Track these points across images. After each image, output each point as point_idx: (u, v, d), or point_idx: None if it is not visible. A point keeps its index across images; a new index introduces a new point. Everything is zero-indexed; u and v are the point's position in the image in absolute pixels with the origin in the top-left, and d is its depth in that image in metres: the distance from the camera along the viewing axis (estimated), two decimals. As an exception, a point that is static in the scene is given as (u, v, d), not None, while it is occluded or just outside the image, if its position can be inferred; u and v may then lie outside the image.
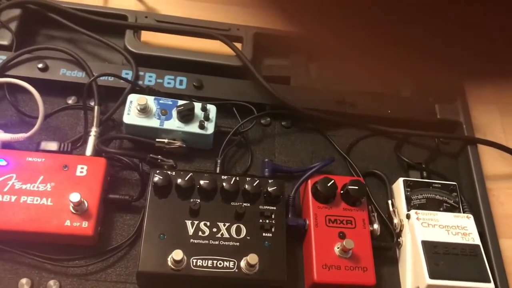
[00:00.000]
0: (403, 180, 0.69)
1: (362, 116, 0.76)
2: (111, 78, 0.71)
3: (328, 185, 0.63)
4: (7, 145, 0.64)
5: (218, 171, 0.67)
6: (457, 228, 0.64)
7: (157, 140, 0.67)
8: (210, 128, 0.67)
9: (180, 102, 0.68)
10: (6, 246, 0.57)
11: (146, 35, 0.80)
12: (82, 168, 0.61)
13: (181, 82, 0.73)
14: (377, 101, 0.78)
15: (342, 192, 0.64)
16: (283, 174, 0.69)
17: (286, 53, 0.83)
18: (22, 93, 0.69)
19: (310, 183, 0.65)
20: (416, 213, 0.65)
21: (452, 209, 0.67)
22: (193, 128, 0.67)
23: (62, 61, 0.71)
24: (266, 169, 0.67)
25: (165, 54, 0.76)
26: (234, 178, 0.62)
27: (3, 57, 0.69)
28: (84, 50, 0.78)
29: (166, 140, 0.67)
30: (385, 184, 0.71)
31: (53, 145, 0.63)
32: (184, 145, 0.67)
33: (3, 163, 0.60)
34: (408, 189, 0.68)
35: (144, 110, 0.66)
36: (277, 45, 0.79)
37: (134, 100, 0.67)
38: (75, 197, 0.56)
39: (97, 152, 0.64)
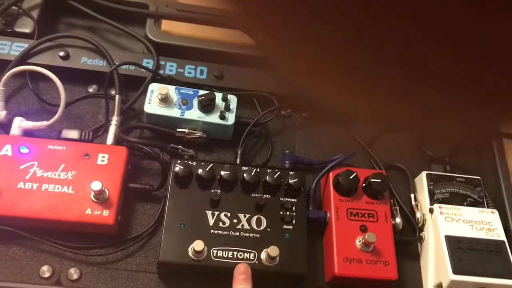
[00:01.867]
0: (426, 174, 0.67)
1: (385, 108, 0.75)
2: (132, 67, 0.70)
3: (351, 177, 0.62)
4: (28, 133, 0.64)
5: (238, 162, 0.66)
6: (482, 223, 0.63)
7: (177, 130, 0.66)
8: (230, 118, 0.67)
9: (201, 92, 0.67)
10: (27, 233, 0.57)
11: (166, 24, 0.80)
12: (103, 156, 0.61)
13: (201, 72, 0.72)
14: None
15: (364, 185, 0.63)
16: (304, 166, 0.69)
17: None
18: (43, 81, 0.69)
19: (331, 175, 0.64)
20: (439, 207, 0.63)
21: (476, 204, 0.66)
22: (214, 118, 0.66)
23: (83, 50, 0.71)
24: (287, 161, 0.67)
25: (186, 44, 0.75)
26: (254, 169, 0.62)
27: (25, 45, 0.69)
28: (105, 39, 0.77)
29: (186, 130, 0.66)
30: (407, 178, 0.70)
31: (74, 134, 0.63)
32: (205, 135, 0.67)
33: (25, 150, 0.60)
34: (431, 183, 0.67)
35: (165, 100, 0.65)
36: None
37: (155, 90, 0.66)
38: (96, 185, 0.56)
39: (118, 141, 0.64)
